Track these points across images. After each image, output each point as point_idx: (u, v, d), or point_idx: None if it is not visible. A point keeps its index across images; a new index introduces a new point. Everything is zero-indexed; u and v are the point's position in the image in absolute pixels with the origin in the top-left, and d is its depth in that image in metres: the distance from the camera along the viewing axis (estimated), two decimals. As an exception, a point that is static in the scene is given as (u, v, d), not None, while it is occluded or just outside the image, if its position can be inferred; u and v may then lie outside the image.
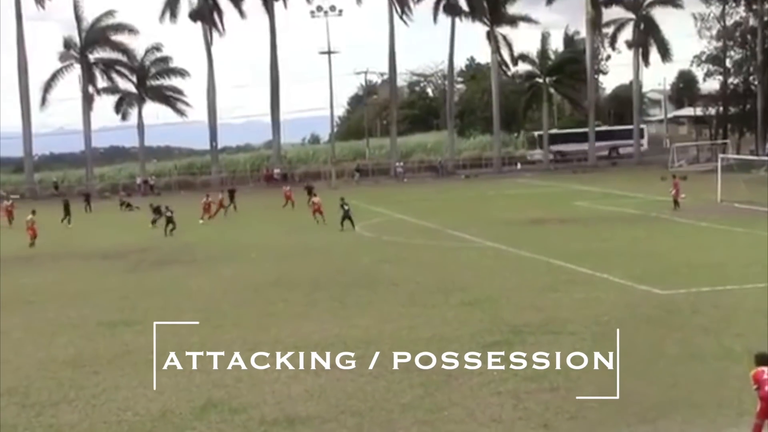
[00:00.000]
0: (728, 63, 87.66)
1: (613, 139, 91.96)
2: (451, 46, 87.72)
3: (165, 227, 42.39)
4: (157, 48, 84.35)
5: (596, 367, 16.53)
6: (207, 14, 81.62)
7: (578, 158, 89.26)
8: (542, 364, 16.77)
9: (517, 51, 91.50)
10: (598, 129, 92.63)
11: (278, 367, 17.42)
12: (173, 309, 23.91)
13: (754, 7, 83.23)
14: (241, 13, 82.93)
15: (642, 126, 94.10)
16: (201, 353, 18.72)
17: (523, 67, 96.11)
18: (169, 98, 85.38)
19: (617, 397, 14.66)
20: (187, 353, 18.77)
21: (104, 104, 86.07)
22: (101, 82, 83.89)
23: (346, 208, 40.98)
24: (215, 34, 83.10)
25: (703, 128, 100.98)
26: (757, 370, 12.32)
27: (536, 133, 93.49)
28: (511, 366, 16.77)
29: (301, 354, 18.29)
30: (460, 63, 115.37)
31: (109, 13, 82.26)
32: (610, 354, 17.35)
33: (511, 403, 14.63)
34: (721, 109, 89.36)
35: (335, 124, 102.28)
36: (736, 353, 17.00)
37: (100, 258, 35.44)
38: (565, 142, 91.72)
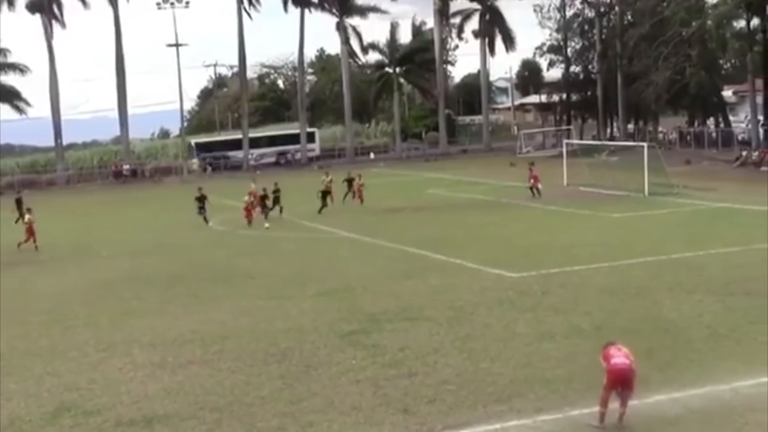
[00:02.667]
0: (569, 52, 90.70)
1: (282, 144, 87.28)
2: (300, 37, 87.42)
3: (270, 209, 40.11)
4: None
5: (452, 350, 16.90)
6: (46, 6, 78.57)
7: (239, 165, 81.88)
8: (401, 350, 17.04)
9: (367, 41, 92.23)
10: (265, 134, 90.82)
11: (134, 366, 17.06)
12: (19, 312, 22.97)
13: None
14: (84, 4, 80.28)
15: (313, 129, 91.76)
16: (51, 356, 18.15)
17: (373, 57, 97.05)
18: (8, 95, 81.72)
19: (473, 379, 15.04)
20: (37, 356, 18.19)
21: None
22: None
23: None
24: (56, 27, 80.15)
25: (548, 115, 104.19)
26: (607, 348, 12.85)
27: (193, 141, 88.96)
28: (370, 354, 16.95)
29: (158, 351, 17.99)
30: (310, 54, 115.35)
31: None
32: (466, 337, 17.82)
33: (371, 391, 14.76)
34: (564, 96, 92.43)
35: (185, 118, 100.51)
36: (585, 330, 17.72)
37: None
38: (224, 149, 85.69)
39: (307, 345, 17.84)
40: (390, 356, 16.69)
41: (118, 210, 52.20)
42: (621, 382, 12.47)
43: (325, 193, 42.71)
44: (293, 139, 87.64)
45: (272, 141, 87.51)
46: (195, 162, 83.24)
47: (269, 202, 40.21)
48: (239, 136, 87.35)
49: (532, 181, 43.88)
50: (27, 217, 36.02)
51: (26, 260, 32.77)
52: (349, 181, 45.91)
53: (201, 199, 40.38)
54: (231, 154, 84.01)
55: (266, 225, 37.49)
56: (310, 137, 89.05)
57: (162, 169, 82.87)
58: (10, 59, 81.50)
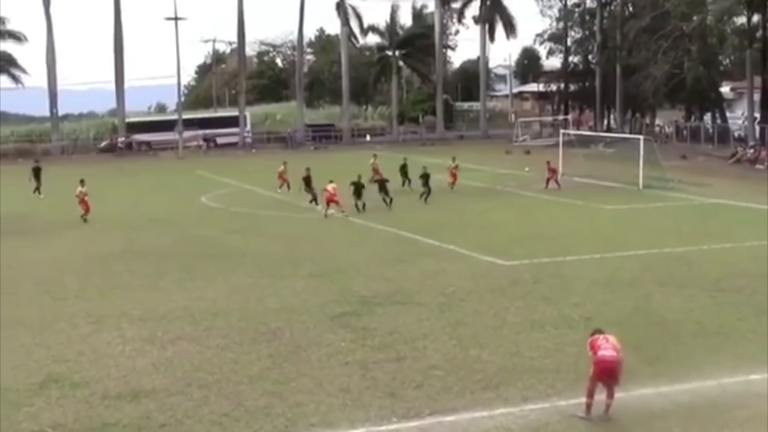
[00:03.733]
0: (569, 42, 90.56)
1: (210, 128, 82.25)
2: (300, 16, 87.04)
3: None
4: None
5: (442, 336, 16.92)
6: (46, -26, 78.09)
7: (163, 148, 77.34)
8: (390, 333, 17.05)
9: (367, 23, 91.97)
10: (191, 117, 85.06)
11: (123, 339, 17.05)
12: (9, 282, 22.92)
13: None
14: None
15: (246, 113, 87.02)
16: (41, 327, 18.13)
17: (373, 40, 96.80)
18: (4, 63, 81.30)
19: (462, 365, 15.06)
20: (26, 327, 18.16)
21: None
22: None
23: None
24: (55, -4, 79.68)
25: (546, 104, 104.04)
26: (593, 338, 12.87)
27: (115, 121, 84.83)
28: (359, 336, 16.97)
29: (148, 326, 17.98)
30: (310, 34, 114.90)
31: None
32: (456, 323, 17.84)
33: (359, 373, 14.79)
34: (562, 85, 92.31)
35: (182, 93, 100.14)
36: (574, 321, 17.75)
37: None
38: (149, 130, 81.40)
39: (297, 325, 17.85)
40: (379, 339, 16.72)
41: (112, 182, 51.98)
42: (607, 374, 12.50)
43: (382, 182, 37.44)
44: (223, 122, 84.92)
45: (201, 124, 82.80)
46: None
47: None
48: (167, 117, 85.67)
49: (549, 173, 43.08)
50: (79, 189, 35.19)
51: (20, 230, 32.62)
52: (403, 169, 42.37)
53: (307, 180, 37.24)
54: (159, 137, 79.34)
55: (343, 212, 33.92)
56: (235, 122, 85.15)
57: (157, 143, 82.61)
58: (8, 27, 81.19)
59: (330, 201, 33.85)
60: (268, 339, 16.91)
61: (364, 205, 35.11)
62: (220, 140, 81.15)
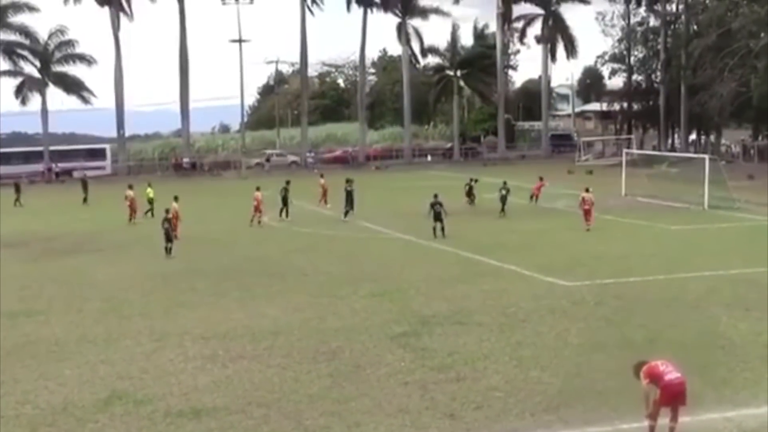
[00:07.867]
0: (632, 60, 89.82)
1: (69, 160, 77.57)
2: (362, 37, 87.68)
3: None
4: (61, 31, 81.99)
5: (502, 357, 16.80)
6: (115, -2, 79.81)
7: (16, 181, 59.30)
8: (450, 354, 16.98)
9: (428, 44, 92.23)
10: (49, 149, 79.34)
11: (185, 357, 17.25)
12: (78, 298, 23.44)
13: (656, 7, 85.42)
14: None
15: (105, 146, 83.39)
16: (106, 344, 18.43)
17: (434, 60, 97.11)
18: (74, 85, 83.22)
19: (522, 387, 14.93)
20: (92, 344, 18.48)
21: (6, 89, 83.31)
22: (3, 65, 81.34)
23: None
24: (123, 19, 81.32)
25: (608, 123, 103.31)
26: (649, 366, 12.49)
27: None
28: (419, 356, 16.92)
29: (209, 344, 18.16)
30: (371, 54, 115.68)
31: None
32: (517, 344, 17.69)
33: (419, 394, 14.74)
34: (625, 105, 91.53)
35: (245, 113, 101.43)
36: (638, 343, 17.46)
37: (2, 247, 34.34)
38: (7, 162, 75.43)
39: (357, 345, 17.88)
40: (439, 360, 16.65)
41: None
42: (676, 398, 12.24)
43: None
44: (83, 154, 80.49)
45: (59, 156, 78.74)
46: None
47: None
48: (26, 149, 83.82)
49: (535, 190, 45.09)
50: (173, 205, 34.81)
51: (86, 248, 33.33)
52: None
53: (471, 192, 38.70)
54: (12, 170, 72.05)
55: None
56: (99, 154, 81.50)
57: (221, 163, 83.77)
58: (78, 50, 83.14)
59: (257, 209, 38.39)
60: (328, 358, 16.96)
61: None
62: (76, 174, 71.57)
